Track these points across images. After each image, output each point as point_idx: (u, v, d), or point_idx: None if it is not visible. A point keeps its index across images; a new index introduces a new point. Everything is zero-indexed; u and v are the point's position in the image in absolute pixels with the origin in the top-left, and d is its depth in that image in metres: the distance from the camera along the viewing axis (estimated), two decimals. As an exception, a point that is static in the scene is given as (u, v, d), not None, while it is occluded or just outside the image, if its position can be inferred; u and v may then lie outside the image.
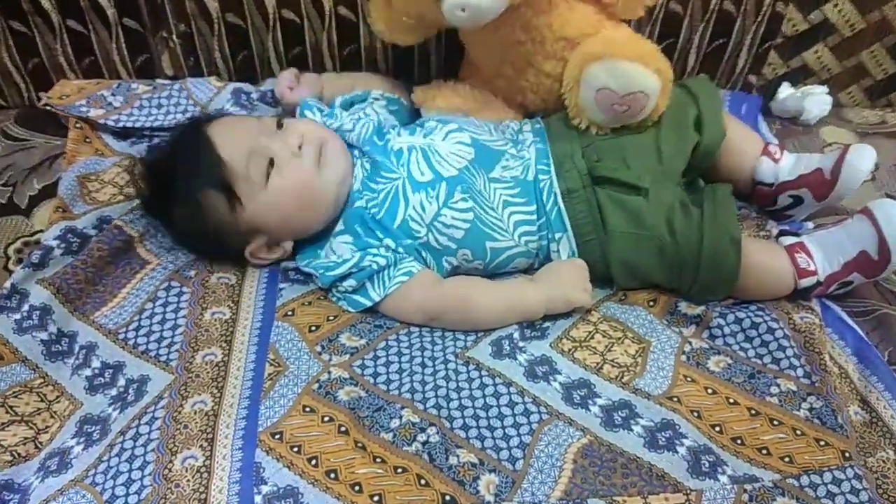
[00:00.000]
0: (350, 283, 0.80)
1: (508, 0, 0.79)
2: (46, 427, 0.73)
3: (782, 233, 0.87)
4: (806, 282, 0.81)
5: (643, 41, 0.86)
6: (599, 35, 0.86)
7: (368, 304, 0.80)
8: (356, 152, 0.88)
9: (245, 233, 0.83)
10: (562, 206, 0.83)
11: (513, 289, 0.83)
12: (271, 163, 0.81)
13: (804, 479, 0.67)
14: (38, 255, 0.84)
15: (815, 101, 1.07)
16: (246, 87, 1.06)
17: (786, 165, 0.90)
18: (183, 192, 0.82)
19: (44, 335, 0.78)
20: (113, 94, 1.05)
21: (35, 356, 0.77)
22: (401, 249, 0.82)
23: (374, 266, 0.80)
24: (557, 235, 0.84)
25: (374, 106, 0.95)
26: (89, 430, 0.71)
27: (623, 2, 0.87)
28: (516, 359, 0.76)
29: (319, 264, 0.82)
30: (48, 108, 1.03)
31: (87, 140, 1.03)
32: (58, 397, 0.75)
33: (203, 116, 0.95)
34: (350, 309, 0.81)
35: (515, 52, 0.88)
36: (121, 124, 1.02)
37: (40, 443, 0.72)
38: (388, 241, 0.82)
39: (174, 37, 1.06)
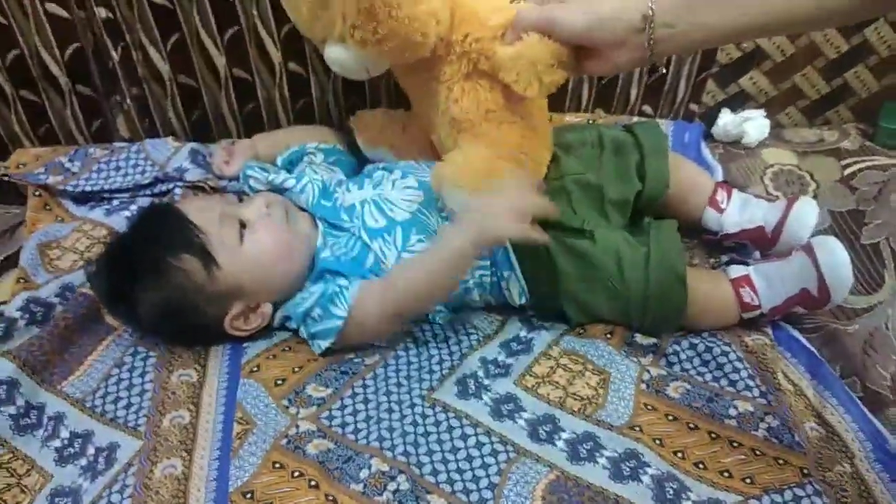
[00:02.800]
0: (317, 311, 0.82)
1: (374, 68, 0.81)
2: (18, 502, 0.72)
3: (731, 261, 0.90)
4: (749, 315, 0.84)
5: (491, 173, 0.81)
6: (451, 154, 0.84)
7: (339, 323, 0.80)
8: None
9: (223, 297, 0.82)
10: (509, 247, 0.85)
11: (437, 244, 0.81)
12: (243, 225, 0.84)
13: (766, 499, 0.69)
14: (1, 328, 0.84)
15: (754, 125, 1.11)
16: (202, 147, 1.08)
17: (730, 216, 0.92)
18: (156, 263, 0.80)
19: (11, 409, 0.77)
20: (70, 161, 1.06)
21: (3, 431, 0.76)
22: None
23: (337, 288, 0.82)
24: (506, 274, 0.87)
25: (314, 166, 0.96)
26: (61, 503, 0.71)
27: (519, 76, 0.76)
28: (482, 398, 0.78)
29: (289, 305, 0.84)
30: (6, 177, 1.04)
31: (48, 207, 1.03)
32: (28, 471, 0.75)
33: (164, 203, 0.97)
34: (323, 344, 0.82)
35: (426, 102, 0.87)
36: (80, 189, 1.03)
37: (12, 520, 0.72)
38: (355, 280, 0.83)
39: (128, 100, 1.08)
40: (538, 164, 0.87)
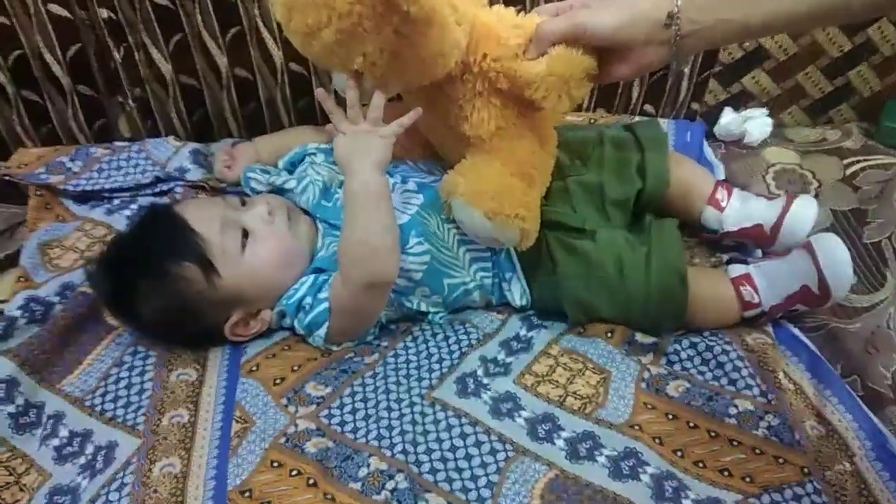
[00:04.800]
0: (308, 300, 0.82)
1: (386, 92, 0.77)
2: (16, 501, 0.72)
3: (732, 259, 0.90)
4: (750, 313, 0.84)
5: (506, 192, 0.78)
6: (463, 165, 0.82)
7: (326, 304, 0.80)
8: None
9: (224, 304, 0.82)
10: (511, 250, 0.85)
11: (348, 200, 0.79)
12: (244, 234, 0.83)
13: (765, 498, 0.69)
14: (1, 327, 0.84)
15: (756, 124, 1.11)
16: (203, 147, 1.08)
17: (730, 214, 0.92)
18: (156, 270, 0.80)
19: (11, 408, 0.78)
20: (72, 160, 1.06)
21: (2, 430, 0.77)
22: None
23: (326, 276, 0.82)
24: (507, 275, 0.87)
25: (315, 166, 0.95)
26: (59, 501, 0.71)
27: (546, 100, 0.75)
28: (481, 397, 0.77)
29: (282, 299, 0.84)
30: (8, 177, 1.04)
31: (48, 206, 1.04)
32: (27, 469, 0.75)
33: (167, 203, 0.97)
34: (321, 333, 0.81)
35: (432, 114, 0.83)
36: (80, 188, 1.04)
37: (10, 518, 0.72)
38: None
39: (130, 101, 1.08)
40: (545, 175, 0.86)
